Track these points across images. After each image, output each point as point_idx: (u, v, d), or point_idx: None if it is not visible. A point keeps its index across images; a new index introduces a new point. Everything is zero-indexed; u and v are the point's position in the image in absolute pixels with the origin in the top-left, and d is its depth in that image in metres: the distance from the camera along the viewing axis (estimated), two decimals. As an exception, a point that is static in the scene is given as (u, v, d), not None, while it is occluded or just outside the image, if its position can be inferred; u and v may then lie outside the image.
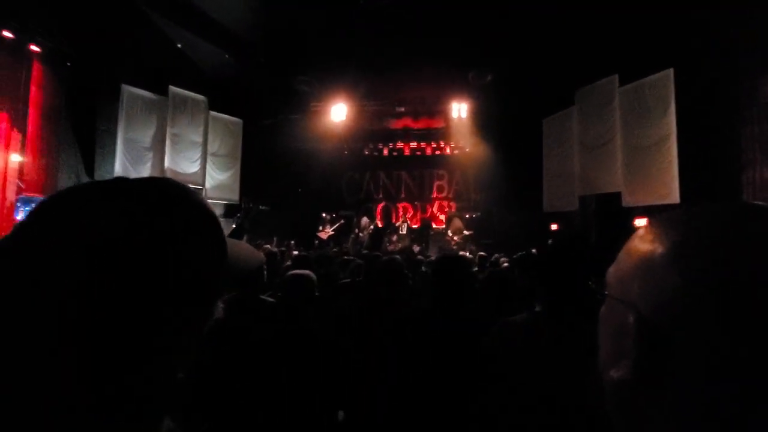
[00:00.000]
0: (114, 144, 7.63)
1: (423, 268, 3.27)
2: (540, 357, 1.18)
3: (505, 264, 3.79)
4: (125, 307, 0.35)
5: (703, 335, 0.30)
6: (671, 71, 6.25)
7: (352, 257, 4.08)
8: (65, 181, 6.84)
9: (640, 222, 6.70)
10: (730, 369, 0.29)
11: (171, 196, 0.41)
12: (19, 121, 6.25)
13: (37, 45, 6.32)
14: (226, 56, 8.14)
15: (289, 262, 4.46)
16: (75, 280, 0.34)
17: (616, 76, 7.23)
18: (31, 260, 0.35)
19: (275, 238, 8.80)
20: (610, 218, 7.28)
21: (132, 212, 0.38)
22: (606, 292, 0.38)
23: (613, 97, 7.30)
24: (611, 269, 0.39)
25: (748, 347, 0.29)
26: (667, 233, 0.34)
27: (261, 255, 0.57)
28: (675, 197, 6.09)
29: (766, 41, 4.92)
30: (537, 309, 1.31)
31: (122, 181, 0.41)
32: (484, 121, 9.86)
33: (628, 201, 6.98)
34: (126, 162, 7.74)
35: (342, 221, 9.97)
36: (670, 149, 6.23)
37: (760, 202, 0.34)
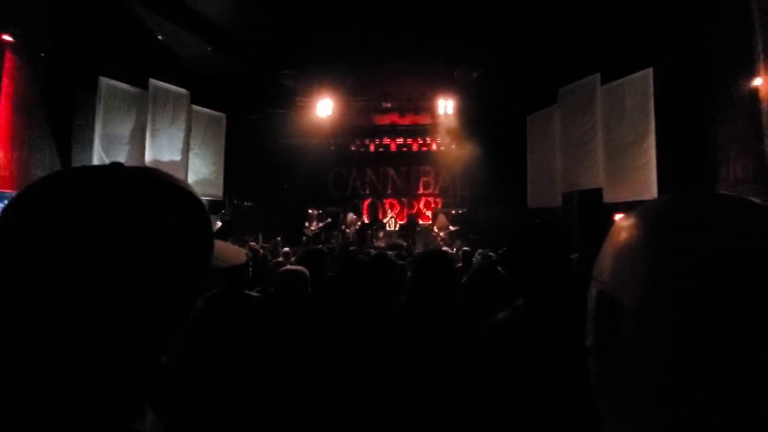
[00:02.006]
0: (91, 138, 7.39)
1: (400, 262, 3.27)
2: (528, 353, 1.15)
3: (490, 253, 3.84)
4: (115, 294, 0.36)
5: (653, 312, 0.33)
6: (650, 71, 6.40)
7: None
8: (40, 176, 6.59)
9: (620, 217, 6.87)
10: (669, 342, 0.33)
11: (164, 184, 0.42)
12: (-10, 114, 5.99)
13: (9, 35, 6.06)
14: (209, 49, 7.96)
15: (280, 258, 4.41)
16: (66, 267, 0.34)
17: (598, 75, 7.37)
18: (18, 247, 0.35)
19: (260, 235, 8.70)
20: (592, 214, 7.46)
21: (126, 199, 0.38)
22: (593, 276, 0.42)
23: (594, 96, 7.44)
24: (599, 255, 0.43)
25: (688, 324, 0.32)
26: (640, 220, 0.38)
27: (245, 253, 0.58)
28: (653, 194, 6.27)
29: (741, 42, 5.09)
30: (517, 304, 1.27)
31: (117, 167, 0.42)
32: (470, 118, 9.94)
33: (609, 197, 7.15)
34: (104, 157, 7.51)
35: (329, 220, 9.92)
36: (649, 147, 6.40)
37: (723, 192, 0.38)
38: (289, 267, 1.84)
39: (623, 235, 0.39)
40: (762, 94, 4.82)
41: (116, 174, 0.40)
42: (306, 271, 1.75)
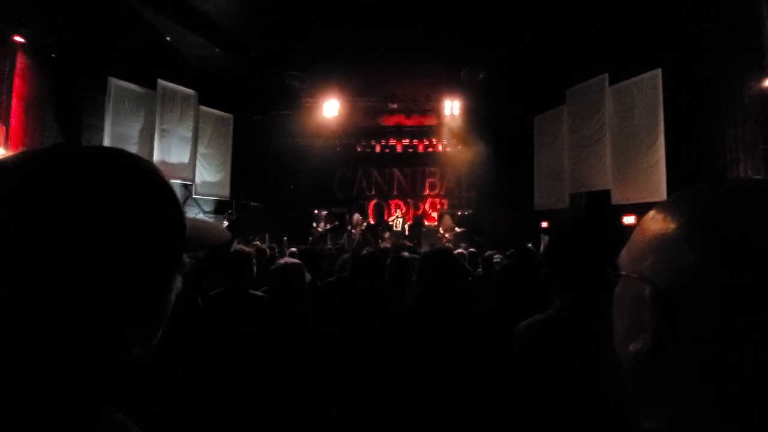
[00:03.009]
0: (101, 138, 7.49)
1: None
2: (579, 351, 1.12)
3: (497, 256, 3.81)
4: (116, 293, 0.35)
5: (712, 305, 0.31)
6: (659, 71, 6.33)
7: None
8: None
9: (629, 219, 6.81)
10: (734, 339, 0.31)
11: (116, 165, 0.39)
12: (1, 114, 6.09)
13: (20, 36, 6.16)
14: (216, 50, 8.02)
15: (287, 258, 4.42)
16: (66, 267, 0.33)
17: (606, 76, 7.30)
18: None
19: (267, 235, 8.74)
20: (600, 215, 7.38)
21: (72, 184, 0.36)
22: (620, 272, 0.40)
23: (602, 97, 7.38)
24: (623, 251, 0.40)
25: (754, 315, 0.30)
26: (677, 211, 0.36)
27: (227, 232, 0.55)
28: (662, 195, 6.19)
29: (749, 43, 5.01)
30: (559, 303, 1.26)
31: (61, 149, 0.38)
32: (477, 119, 9.90)
33: (617, 199, 7.07)
34: (113, 157, 7.59)
35: (336, 223, 9.95)
36: (659, 148, 6.32)
37: (759, 177, 0.36)
38: (283, 260, 1.82)
39: (661, 228, 0.36)
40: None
41: (64, 158, 0.37)
42: (301, 264, 1.74)
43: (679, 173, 6.00)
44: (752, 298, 0.30)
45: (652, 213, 0.39)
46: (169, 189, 0.41)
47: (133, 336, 0.38)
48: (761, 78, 4.96)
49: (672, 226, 0.35)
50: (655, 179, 6.34)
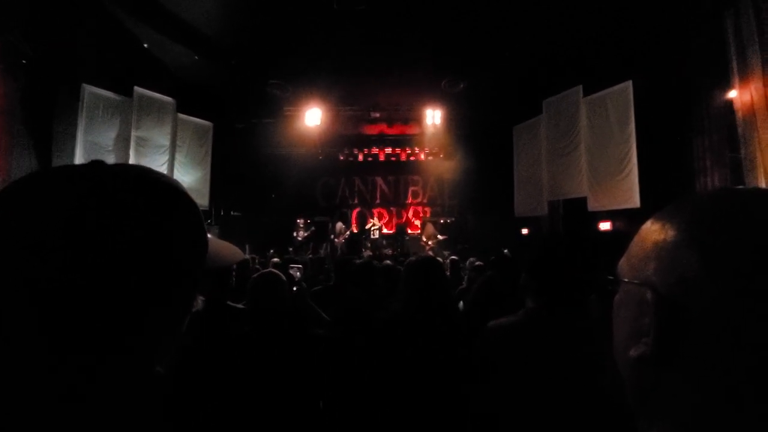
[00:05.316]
0: (73, 146, 7.24)
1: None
2: (541, 354, 1.19)
3: (477, 263, 3.86)
4: (116, 296, 0.35)
5: (720, 306, 0.31)
6: (630, 83, 6.61)
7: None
8: (18, 185, 6.40)
9: (605, 225, 7.02)
10: (745, 340, 0.30)
11: (151, 181, 0.41)
12: (-34, 121, 5.83)
13: (-12, 40, 5.94)
14: (196, 57, 7.92)
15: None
16: (66, 267, 0.33)
17: (580, 87, 7.57)
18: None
19: (247, 246, 8.58)
20: (577, 222, 7.57)
21: (129, 198, 0.37)
22: (620, 280, 0.40)
23: (577, 107, 7.63)
24: (622, 260, 0.40)
25: (757, 317, 0.30)
26: (676, 218, 0.36)
27: (241, 252, 0.57)
28: (636, 202, 6.41)
29: (715, 57, 5.29)
30: (530, 306, 1.32)
31: (99, 164, 0.40)
32: (458, 128, 10.07)
33: (593, 206, 7.28)
34: (87, 165, 7.34)
35: (313, 229, 9.88)
36: (630, 157, 6.57)
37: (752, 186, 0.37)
38: (263, 271, 1.80)
39: (662, 234, 0.36)
40: (737, 105, 5.00)
41: (113, 172, 0.39)
42: (281, 274, 1.72)
43: (651, 181, 6.24)
44: (755, 301, 0.30)
45: (650, 222, 0.39)
46: (183, 203, 0.42)
47: (143, 343, 0.38)
48: (726, 89, 5.23)
49: (672, 232, 0.35)
50: (628, 187, 6.56)
